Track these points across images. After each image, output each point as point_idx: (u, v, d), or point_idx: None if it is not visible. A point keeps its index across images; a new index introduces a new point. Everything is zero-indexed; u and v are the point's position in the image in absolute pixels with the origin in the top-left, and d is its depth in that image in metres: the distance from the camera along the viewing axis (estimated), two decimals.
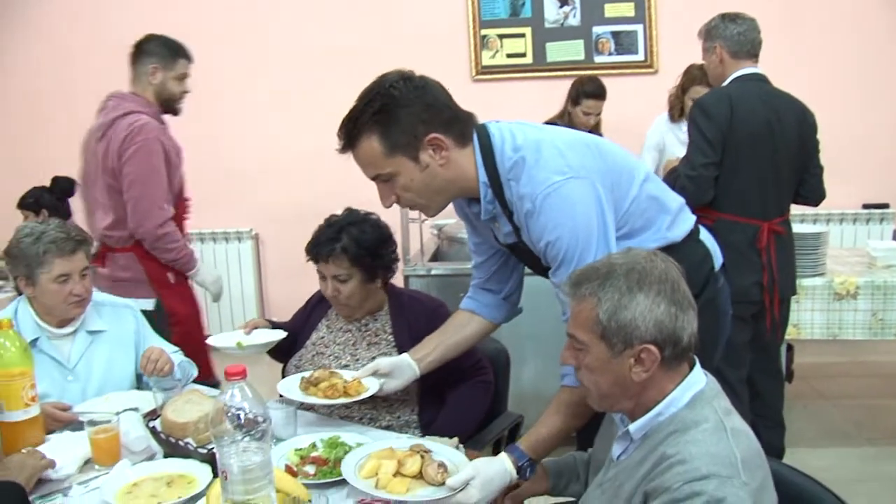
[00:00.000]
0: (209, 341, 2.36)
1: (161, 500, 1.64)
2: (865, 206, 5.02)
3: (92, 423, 1.87)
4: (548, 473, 1.78)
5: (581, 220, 1.66)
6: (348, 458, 1.69)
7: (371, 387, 2.01)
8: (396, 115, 1.65)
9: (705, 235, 1.99)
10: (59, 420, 2.07)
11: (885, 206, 5.00)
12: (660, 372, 1.39)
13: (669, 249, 1.80)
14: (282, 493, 1.49)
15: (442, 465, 1.60)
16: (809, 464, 3.33)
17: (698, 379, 1.43)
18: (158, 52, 3.16)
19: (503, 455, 1.66)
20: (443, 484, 1.55)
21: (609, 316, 1.37)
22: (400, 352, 2.20)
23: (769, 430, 3.29)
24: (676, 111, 4.17)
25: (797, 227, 3.58)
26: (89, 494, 1.72)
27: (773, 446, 3.27)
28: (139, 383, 2.40)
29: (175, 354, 2.43)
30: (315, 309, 2.48)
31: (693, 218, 1.96)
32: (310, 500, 1.46)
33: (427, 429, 2.17)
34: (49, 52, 5.42)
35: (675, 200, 1.93)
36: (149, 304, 2.96)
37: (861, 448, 3.61)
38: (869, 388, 4.37)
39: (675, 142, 4.17)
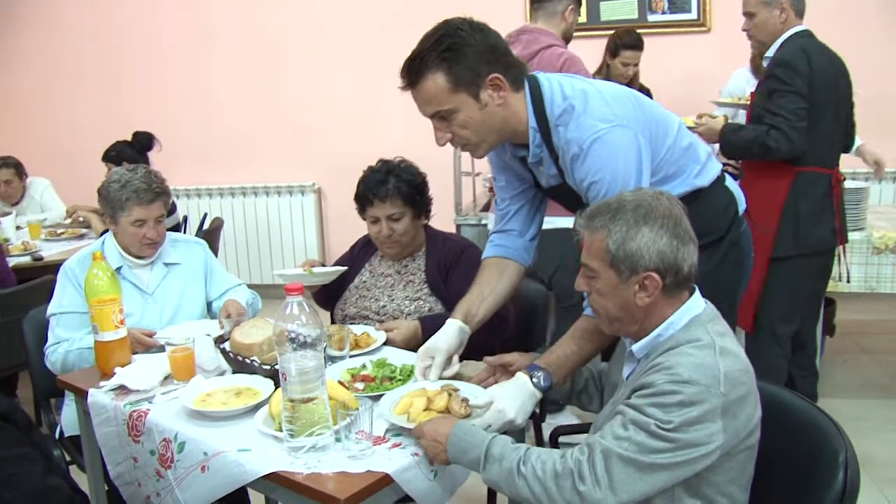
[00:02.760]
0: (276, 273, 2.52)
1: (230, 406, 1.89)
2: None
3: (170, 343, 2.13)
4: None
5: (622, 165, 1.81)
6: (386, 397, 1.86)
7: (379, 338, 2.28)
8: (463, 53, 1.78)
9: (730, 182, 2.15)
10: (144, 344, 2.35)
11: None
12: (662, 298, 1.56)
13: (697, 194, 1.99)
14: (333, 399, 1.72)
15: (465, 400, 1.78)
16: (842, 412, 3.49)
17: (696, 304, 1.60)
18: None
19: (518, 373, 1.83)
20: (467, 416, 1.73)
21: (618, 246, 1.54)
22: (430, 287, 2.46)
23: (805, 378, 3.42)
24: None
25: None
26: (170, 402, 1.99)
27: (808, 393, 3.40)
28: (209, 310, 2.69)
29: (240, 287, 2.72)
30: (359, 255, 2.70)
31: (719, 166, 2.12)
32: (357, 408, 1.68)
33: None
34: (131, 14, 5.75)
35: (704, 151, 2.09)
36: None
37: None
38: None
39: None
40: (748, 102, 3.37)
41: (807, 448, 1.57)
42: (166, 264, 2.63)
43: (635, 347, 1.63)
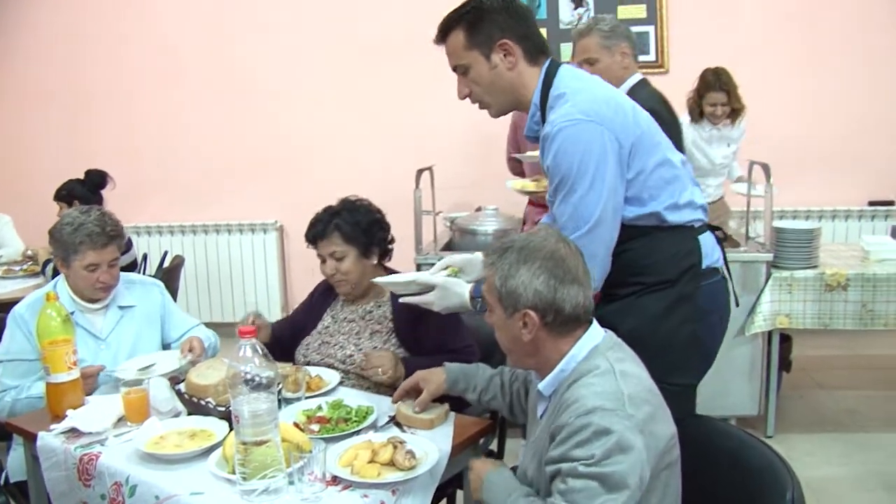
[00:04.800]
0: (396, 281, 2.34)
1: (184, 448, 1.87)
2: (871, 204, 5.13)
3: (124, 385, 2.10)
4: (446, 373, 2.07)
5: (581, 157, 1.87)
6: (331, 449, 1.83)
7: (332, 381, 2.29)
8: (481, 17, 1.98)
9: (705, 237, 2.11)
10: (87, 375, 2.30)
11: (890, 203, 5.10)
12: (548, 335, 1.63)
13: (657, 229, 2.00)
14: (287, 441, 1.71)
15: (410, 451, 1.79)
16: (796, 447, 3.56)
17: (595, 335, 1.67)
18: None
19: (466, 286, 2.10)
20: (411, 468, 1.74)
21: (501, 283, 1.64)
22: (399, 337, 2.44)
23: None
24: (696, 114, 4.28)
25: (793, 224, 3.78)
26: (123, 445, 1.96)
27: None
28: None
29: (199, 328, 2.70)
30: (318, 301, 2.67)
31: (697, 217, 2.08)
32: (311, 450, 1.67)
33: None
34: (96, 49, 5.74)
35: (688, 195, 2.06)
36: None
37: (850, 434, 3.76)
38: (866, 379, 4.51)
39: (700, 140, 4.31)
40: None
41: (756, 485, 1.60)
42: (121, 307, 2.60)
43: (541, 386, 1.69)
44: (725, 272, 2.19)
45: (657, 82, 5.02)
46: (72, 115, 5.87)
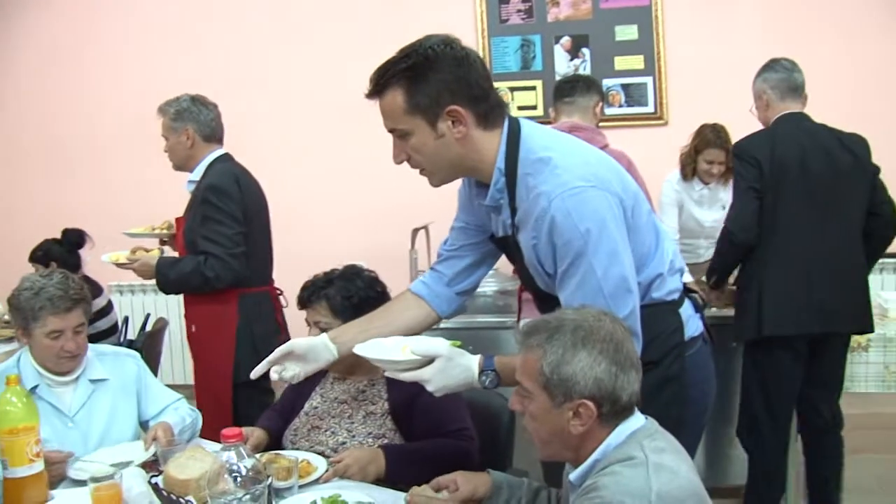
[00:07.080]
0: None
1: None
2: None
3: (94, 479, 1.86)
4: (491, 480, 1.79)
5: (594, 228, 1.64)
6: None
7: (320, 466, 2.04)
8: (426, 76, 1.66)
9: (686, 309, 1.93)
10: (52, 462, 2.04)
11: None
12: (598, 426, 1.46)
13: (640, 308, 1.76)
14: None
15: None
16: None
17: (635, 421, 1.50)
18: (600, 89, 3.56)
19: (474, 357, 1.75)
20: None
21: (552, 369, 1.44)
22: (394, 419, 2.19)
23: None
24: (689, 170, 4.13)
25: None
26: None
27: None
28: (144, 428, 2.41)
29: (179, 402, 2.48)
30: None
31: (677, 287, 1.91)
32: None
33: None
34: (74, 104, 5.58)
35: (669, 257, 1.88)
36: None
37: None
38: (887, 441, 4.26)
39: (689, 200, 4.17)
40: (165, 230, 3.45)
41: None
42: (92, 381, 2.35)
43: (573, 476, 1.52)
44: (707, 336, 2.00)
45: (656, 134, 4.96)
46: (47, 175, 5.67)
